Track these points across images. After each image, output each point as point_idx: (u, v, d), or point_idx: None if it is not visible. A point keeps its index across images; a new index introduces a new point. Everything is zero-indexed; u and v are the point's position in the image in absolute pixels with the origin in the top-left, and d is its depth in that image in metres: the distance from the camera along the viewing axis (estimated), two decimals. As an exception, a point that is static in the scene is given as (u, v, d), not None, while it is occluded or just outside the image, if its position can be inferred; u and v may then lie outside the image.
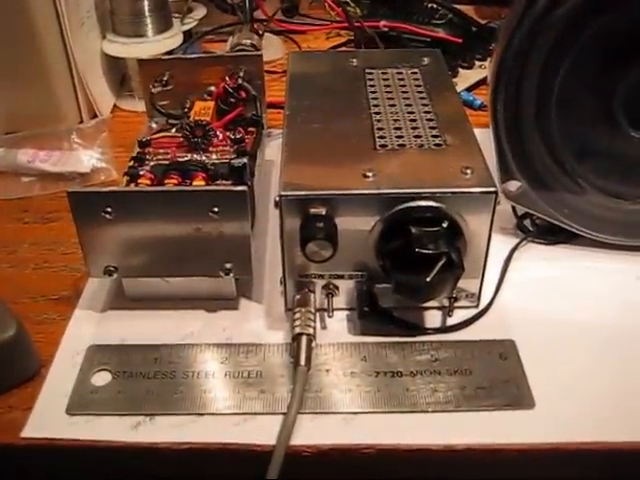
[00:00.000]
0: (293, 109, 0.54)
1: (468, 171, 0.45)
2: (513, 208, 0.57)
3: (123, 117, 0.77)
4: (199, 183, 0.49)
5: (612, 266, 0.54)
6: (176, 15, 0.81)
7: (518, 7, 0.48)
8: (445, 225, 0.44)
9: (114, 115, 0.77)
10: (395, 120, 0.52)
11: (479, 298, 0.49)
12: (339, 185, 0.45)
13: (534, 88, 0.50)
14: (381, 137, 0.50)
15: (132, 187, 0.49)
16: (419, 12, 0.85)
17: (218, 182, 0.52)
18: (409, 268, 0.44)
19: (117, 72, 0.80)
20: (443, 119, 0.52)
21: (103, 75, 0.78)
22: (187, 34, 0.83)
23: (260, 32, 0.79)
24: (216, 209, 0.45)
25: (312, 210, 0.44)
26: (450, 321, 0.49)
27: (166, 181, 0.49)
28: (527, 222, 0.57)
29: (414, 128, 0.51)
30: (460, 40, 0.79)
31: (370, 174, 0.45)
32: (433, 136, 0.50)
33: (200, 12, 0.86)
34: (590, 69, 0.50)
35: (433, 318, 0.49)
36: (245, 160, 0.52)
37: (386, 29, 0.82)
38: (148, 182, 0.49)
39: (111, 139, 0.70)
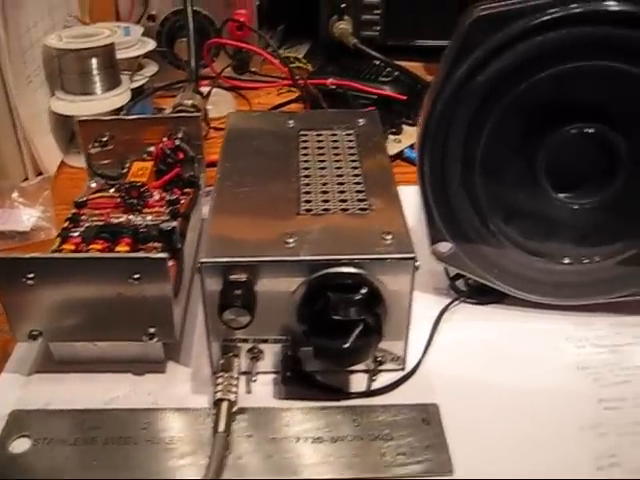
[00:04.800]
0: (224, 171, 0.54)
1: (388, 237, 0.46)
2: (445, 269, 0.57)
3: (70, 174, 0.77)
4: (123, 249, 0.49)
5: (542, 326, 0.55)
6: (125, 72, 0.82)
7: (439, 75, 0.49)
8: (364, 291, 0.44)
9: (61, 172, 0.77)
10: (323, 184, 0.52)
11: (405, 361, 0.49)
12: (259, 251, 0.45)
13: (459, 153, 0.51)
14: (307, 201, 0.50)
15: (53, 254, 0.49)
16: (367, 70, 0.86)
17: (148, 245, 0.52)
18: (328, 334, 0.44)
19: (66, 129, 0.80)
20: (371, 182, 0.52)
21: (51, 132, 0.78)
22: (138, 91, 0.84)
23: (203, 92, 0.80)
24: (137, 275, 0.45)
25: (231, 277, 0.45)
26: (376, 384, 0.49)
27: (91, 246, 0.49)
28: (460, 282, 0.58)
29: (341, 192, 0.51)
30: (405, 97, 0.80)
31: (291, 240, 0.46)
32: (359, 200, 0.50)
33: (151, 69, 0.87)
34: (512, 135, 0.51)
35: (359, 382, 0.49)
36: (174, 224, 0.52)
37: (334, 86, 0.83)
38: (72, 247, 0.50)
39: (56, 196, 0.70)
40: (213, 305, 0.45)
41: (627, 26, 0.47)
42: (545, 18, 0.47)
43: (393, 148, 0.76)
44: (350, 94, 0.81)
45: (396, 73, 0.85)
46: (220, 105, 0.87)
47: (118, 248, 0.49)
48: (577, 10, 0.47)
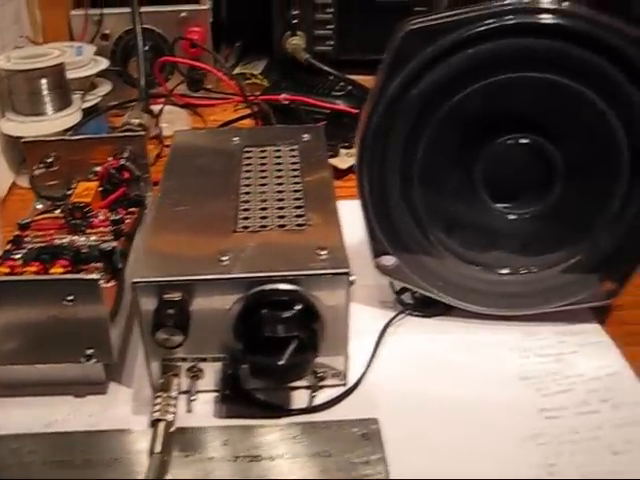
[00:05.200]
0: (165, 190, 0.54)
1: (323, 252, 0.46)
2: (391, 282, 0.57)
3: (21, 195, 0.77)
4: (57, 270, 0.49)
5: (487, 338, 0.55)
6: (77, 92, 0.82)
7: (375, 89, 0.50)
8: (298, 307, 0.44)
9: (12, 193, 0.77)
10: (262, 200, 0.52)
11: (346, 376, 0.49)
12: (193, 270, 0.45)
13: (397, 166, 0.51)
14: (245, 218, 0.50)
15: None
16: (320, 85, 0.86)
17: (90, 266, 0.52)
18: (264, 351, 0.44)
19: (17, 150, 0.79)
20: (310, 198, 0.52)
21: (1, 153, 0.77)
22: (92, 110, 0.84)
23: (155, 110, 0.80)
24: (70, 297, 0.45)
25: (165, 296, 0.44)
26: (317, 400, 0.49)
27: (26, 269, 0.49)
28: (407, 295, 0.58)
29: (280, 208, 0.51)
30: (357, 111, 0.80)
31: (225, 258, 0.45)
32: (297, 216, 0.50)
33: (105, 88, 0.87)
34: (449, 146, 0.51)
35: (301, 398, 0.49)
36: (114, 244, 0.52)
37: (287, 102, 0.83)
38: (7, 270, 0.49)
39: (6, 217, 0.70)
40: (149, 324, 0.45)
41: (561, 39, 0.47)
42: (479, 29, 0.48)
43: (345, 162, 0.76)
44: (302, 109, 0.81)
45: (349, 87, 0.85)
46: (175, 123, 0.87)
47: (53, 270, 0.49)
48: (512, 22, 0.48)
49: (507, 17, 0.48)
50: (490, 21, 0.48)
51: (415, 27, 0.48)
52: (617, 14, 0.48)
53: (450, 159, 0.51)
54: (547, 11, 0.48)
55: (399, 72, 0.49)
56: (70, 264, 0.50)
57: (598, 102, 0.49)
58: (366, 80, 0.85)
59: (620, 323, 0.56)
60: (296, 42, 0.94)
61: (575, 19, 0.47)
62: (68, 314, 0.45)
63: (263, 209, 0.51)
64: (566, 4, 0.48)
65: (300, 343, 0.43)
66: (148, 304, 0.45)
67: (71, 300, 0.45)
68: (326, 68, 0.87)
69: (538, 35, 0.48)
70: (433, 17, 0.49)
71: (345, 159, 0.77)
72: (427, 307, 0.57)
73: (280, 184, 0.54)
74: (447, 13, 0.49)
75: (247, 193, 0.53)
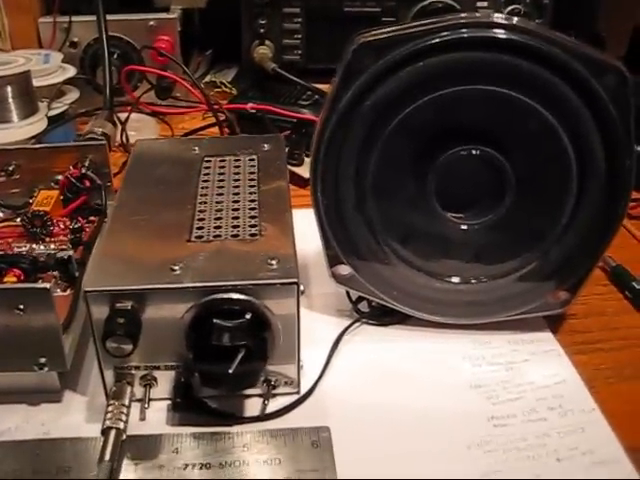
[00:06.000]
0: (121, 199, 0.55)
1: (274, 262, 0.46)
2: (347, 291, 0.58)
3: (-14, 203, 0.76)
4: (10, 280, 0.49)
5: (441, 346, 0.55)
6: (44, 100, 0.82)
7: (328, 101, 0.50)
8: (248, 317, 0.44)
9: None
10: (218, 210, 0.53)
11: (299, 384, 0.50)
12: (144, 279, 0.45)
13: (351, 178, 0.52)
14: (200, 228, 0.51)
15: None
16: (287, 94, 0.87)
17: (48, 274, 0.52)
18: (213, 360, 0.44)
19: (-17, 157, 0.79)
20: (266, 208, 0.53)
21: (-34, 161, 0.77)
22: (59, 117, 0.84)
23: (121, 118, 0.80)
24: (21, 306, 0.45)
25: (117, 305, 0.45)
26: (270, 408, 0.49)
27: (-22, 278, 0.49)
28: (364, 304, 0.58)
29: (235, 218, 0.52)
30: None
31: (177, 267, 0.46)
32: (251, 226, 0.51)
33: (72, 95, 0.88)
34: (402, 157, 0.52)
35: (253, 406, 0.49)
36: (70, 252, 0.52)
37: (253, 111, 0.83)
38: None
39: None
40: (100, 333, 0.45)
41: (512, 54, 0.48)
42: (431, 42, 0.49)
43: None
44: (269, 118, 0.82)
45: (315, 97, 0.86)
46: (142, 131, 0.88)
47: (6, 279, 0.49)
48: (465, 35, 0.49)
49: (460, 30, 0.48)
50: (443, 34, 0.48)
51: (367, 40, 0.49)
52: (581, 29, 0.49)
53: (403, 170, 0.52)
54: (499, 26, 0.48)
55: (351, 85, 0.49)
56: (25, 273, 0.50)
57: (547, 116, 0.49)
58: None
59: (572, 332, 0.57)
60: (263, 51, 0.95)
61: (527, 34, 0.48)
62: (20, 323, 0.46)
63: (218, 219, 0.52)
64: (517, 19, 0.49)
65: (249, 352, 0.44)
66: (100, 313, 0.45)
67: (22, 309, 0.45)
68: (292, 77, 0.87)
69: (489, 49, 0.49)
70: (385, 30, 0.50)
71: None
72: (383, 316, 0.57)
73: (237, 194, 0.55)
74: (399, 26, 0.50)
75: (204, 203, 0.54)
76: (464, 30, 0.49)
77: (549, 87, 0.49)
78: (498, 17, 0.50)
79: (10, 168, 0.63)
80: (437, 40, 0.49)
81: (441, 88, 0.50)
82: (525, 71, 0.49)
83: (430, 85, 0.50)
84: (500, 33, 0.49)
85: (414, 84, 0.49)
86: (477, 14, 0.51)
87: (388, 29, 0.50)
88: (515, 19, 0.49)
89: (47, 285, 0.45)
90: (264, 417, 0.48)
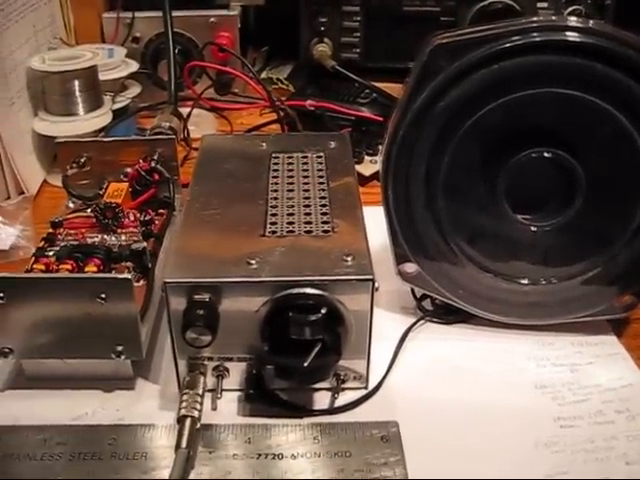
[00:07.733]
0: (194, 194, 0.56)
1: (349, 258, 0.47)
2: (412, 289, 0.58)
3: (53, 193, 0.78)
4: (91, 269, 0.51)
5: (505, 346, 0.56)
6: (108, 93, 0.84)
7: (401, 102, 0.51)
8: (324, 311, 0.45)
9: (43, 191, 0.79)
10: (290, 206, 0.54)
11: (367, 379, 0.50)
12: (222, 272, 0.46)
13: (421, 177, 0.52)
14: (273, 223, 0.52)
15: (19, 274, 0.50)
16: (346, 92, 0.88)
17: (121, 265, 0.54)
18: (289, 353, 0.45)
19: (49, 149, 0.81)
20: (337, 204, 0.54)
21: (34, 152, 0.79)
22: (122, 111, 0.85)
23: (183, 114, 0.81)
24: (103, 295, 0.46)
25: (195, 297, 0.46)
26: (338, 402, 0.50)
27: (60, 266, 0.51)
28: (427, 302, 0.59)
29: (307, 214, 0.53)
30: (382, 118, 0.82)
31: (254, 261, 0.47)
32: (323, 222, 0.52)
33: (135, 90, 0.89)
34: (473, 159, 0.52)
35: (323, 399, 0.50)
36: (144, 244, 0.54)
37: (312, 108, 0.84)
38: (42, 267, 0.51)
39: (37, 215, 0.72)
40: (178, 324, 0.46)
41: (585, 57, 0.48)
42: (506, 46, 0.49)
43: (369, 169, 0.78)
44: (328, 115, 0.83)
45: (374, 95, 0.86)
46: (202, 126, 0.89)
47: (87, 268, 0.51)
48: (538, 39, 0.49)
49: (533, 34, 0.49)
50: (516, 38, 0.49)
51: (443, 42, 0.49)
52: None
53: (474, 171, 0.52)
54: (573, 29, 0.48)
55: (426, 86, 0.50)
56: (102, 263, 0.52)
57: (621, 119, 0.50)
58: (391, 88, 0.87)
59: (636, 336, 0.57)
60: (322, 49, 0.96)
61: (601, 37, 0.48)
62: (100, 311, 0.47)
63: (290, 214, 0.53)
64: (592, 22, 0.49)
65: (324, 346, 0.45)
66: (177, 304, 0.46)
67: (104, 298, 0.46)
68: (352, 75, 0.88)
69: (564, 52, 0.49)
70: (460, 32, 0.50)
71: (369, 166, 0.78)
72: (447, 314, 0.58)
73: (307, 190, 0.56)
74: (473, 29, 0.50)
75: (275, 198, 0.55)
76: (539, 34, 0.49)
77: (623, 90, 0.49)
78: (572, 20, 0.50)
79: (82, 160, 0.64)
80: (513, 44, 0.49)
81: (514, 91, 0.50)
82: (599, 74, 0.49)
83: (504, 87, 0.50)
84: (574, 36, 0.49)
85: (488, 86, 0.50)
86: (553, 17, 0.51)
87: (463, 31, 0.50)
88: (591, 22, 0.49)
89: (129, 276, 0.46)
90: (333, 411, 0.49)
